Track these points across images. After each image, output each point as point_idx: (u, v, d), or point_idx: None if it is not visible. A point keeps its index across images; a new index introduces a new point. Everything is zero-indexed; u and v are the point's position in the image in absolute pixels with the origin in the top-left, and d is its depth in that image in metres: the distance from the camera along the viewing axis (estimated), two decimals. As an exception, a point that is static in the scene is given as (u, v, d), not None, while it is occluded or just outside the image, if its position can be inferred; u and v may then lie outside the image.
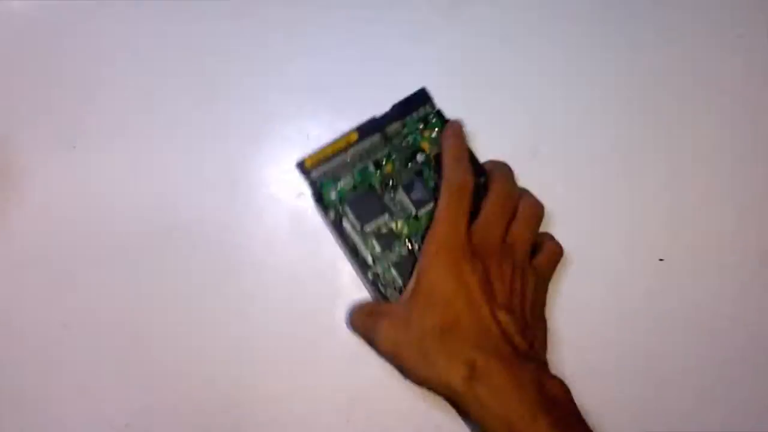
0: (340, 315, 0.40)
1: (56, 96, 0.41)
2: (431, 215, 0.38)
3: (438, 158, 0.40)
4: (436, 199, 0.38)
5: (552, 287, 0.40)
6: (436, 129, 0.41)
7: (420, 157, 0.40)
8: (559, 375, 0.35)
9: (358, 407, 0.40)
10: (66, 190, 0.41)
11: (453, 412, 0.36)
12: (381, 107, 0.41)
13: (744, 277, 0.42)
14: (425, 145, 0.41)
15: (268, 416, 0.39)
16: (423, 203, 0.40)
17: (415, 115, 0.41)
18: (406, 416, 0.40)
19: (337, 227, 0.39)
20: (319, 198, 0.40)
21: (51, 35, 0.42)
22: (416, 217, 0.40)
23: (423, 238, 0.38)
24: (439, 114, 0.41)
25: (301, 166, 0.40)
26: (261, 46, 0.42)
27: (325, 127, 0.42)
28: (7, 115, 0.41)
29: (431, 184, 0.40)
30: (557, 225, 0.41)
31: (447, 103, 0.41)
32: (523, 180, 0.41)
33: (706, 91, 0.44)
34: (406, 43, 0.43)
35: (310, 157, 0.40)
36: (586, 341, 0.41)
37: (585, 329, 0.41)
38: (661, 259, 0.42)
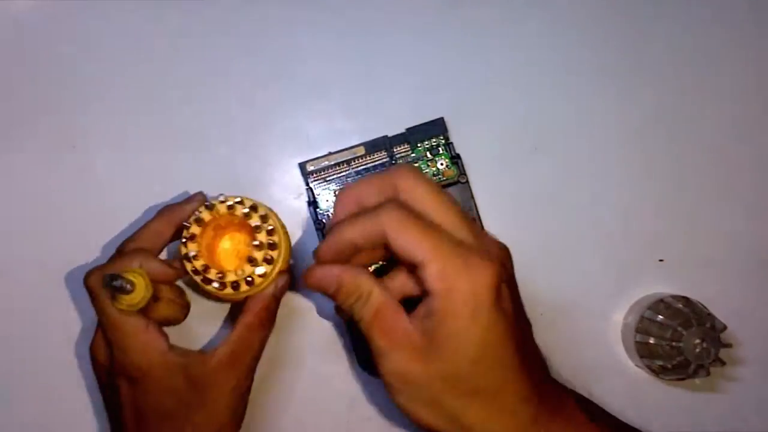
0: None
1: (56, 96, 0.42)
2: None
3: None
4: None
5: (551, 281, 0.41)
6: (443, 160, 0.40)
7: (420, 186, 0.40)
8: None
9: (357, 408, 0.40)
10: (66, 190, 0.41)
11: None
12: (380, 107, 0.41)
13: (744, 277, 0.42)
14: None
15: (268, 416, 0.40)
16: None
17: (426, 143, 0.41)
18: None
19: (324, 236, 0.40)
20: (314, 203, 0.40)
21: (51, 35, 0.42)
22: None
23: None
24: (449, 146, 0.40)
25: (303, 168, 0.41)
26: (262, 46, 0.42)
27: (325, 127, 0.42)
28: (7, 115, 0.41)
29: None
30: (557, 225, 0.42)
31: (448, 102, 0.41)
32: (523, 175, 0.42)
33: (706, 91, 0.43)
34: (406, 41, 0.43)
35: (314, 161, 0.41)
36: (585, 339, 0.41)
37: (584, 327, 0.41)
38: (661, 260, 0.42)
